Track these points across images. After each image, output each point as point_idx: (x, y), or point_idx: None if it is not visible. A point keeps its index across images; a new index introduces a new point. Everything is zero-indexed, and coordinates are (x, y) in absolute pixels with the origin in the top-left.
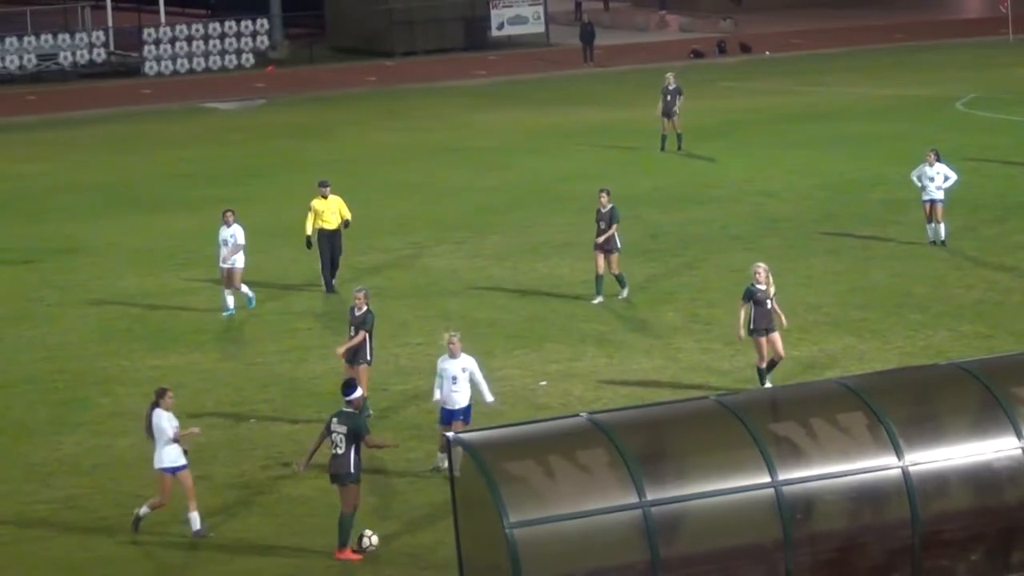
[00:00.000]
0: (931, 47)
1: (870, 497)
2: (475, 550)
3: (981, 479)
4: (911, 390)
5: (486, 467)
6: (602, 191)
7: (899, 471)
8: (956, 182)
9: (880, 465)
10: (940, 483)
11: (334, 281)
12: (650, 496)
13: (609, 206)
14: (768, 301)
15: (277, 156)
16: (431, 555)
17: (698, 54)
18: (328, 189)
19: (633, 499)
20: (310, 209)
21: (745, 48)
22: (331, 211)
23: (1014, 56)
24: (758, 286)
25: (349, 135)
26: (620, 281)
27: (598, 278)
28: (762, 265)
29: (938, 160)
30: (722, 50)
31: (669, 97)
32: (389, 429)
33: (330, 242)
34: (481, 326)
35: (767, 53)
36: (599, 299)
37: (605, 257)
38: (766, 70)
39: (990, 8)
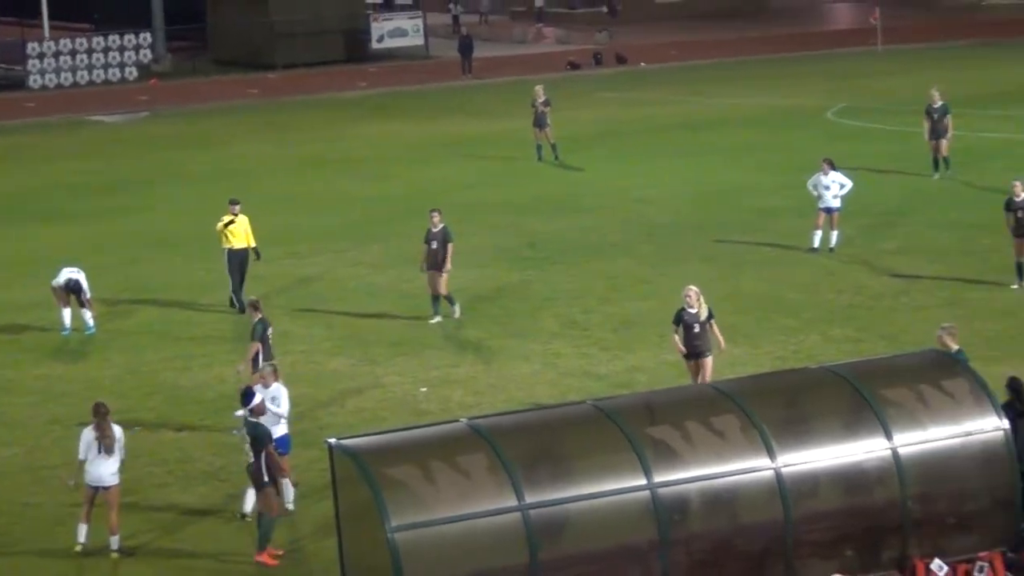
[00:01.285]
0: (802, 58)
1: (744, 498)
2: (358, 554)
3: (851, 479)
4: (783, 393)
5: (368, 472)
6: (433, 211)
7: (772, 472)
8: (851, 189)
9: (753, 467)
10: (812, 484)
11: (238, 295)
12: (529, 499)
13: (441, 225)
14: (697, 324)
15: (161, 167)
16: (314, 559)
17: (575, 66)
18: (239, 207)
19: (512, 502)
20: (220, 224)
21: (621, 59)
22: (240, 229)
23: (883, 66)
24: (689, 309)
25: (232, 146)
26: (451, 301)
27: (434, 298)
28: (693, 288)
29: (832, 169)
30: (598, 61)
31: (539, 109)
32: None
33: (238, 260)
34: (362, 333)
35: (642, 64)
36: (440, 317)
37: (437, 276)
38: (642, 81)
39: (860, 20)
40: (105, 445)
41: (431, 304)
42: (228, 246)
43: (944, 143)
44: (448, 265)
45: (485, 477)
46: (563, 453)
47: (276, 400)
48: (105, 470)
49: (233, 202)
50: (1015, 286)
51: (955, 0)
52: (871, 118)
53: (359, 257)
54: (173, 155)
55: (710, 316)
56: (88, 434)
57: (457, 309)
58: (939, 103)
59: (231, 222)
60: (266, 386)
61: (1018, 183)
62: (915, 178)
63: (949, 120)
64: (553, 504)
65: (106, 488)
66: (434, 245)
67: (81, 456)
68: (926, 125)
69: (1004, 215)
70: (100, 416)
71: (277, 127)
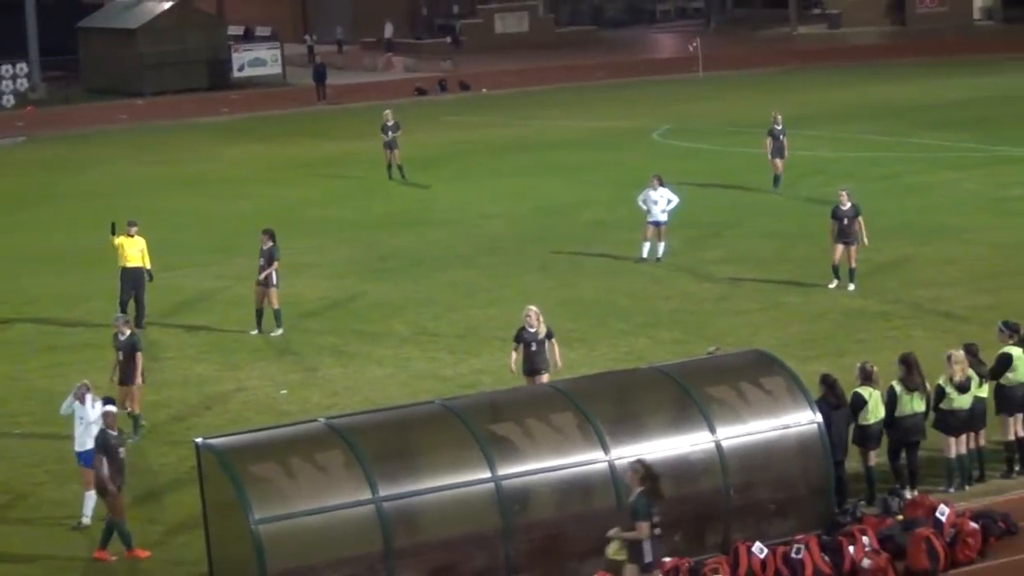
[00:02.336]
0: (630, 84)
1: (580, 488)
2: (224, 546)
3: (679, 470)
4: (616, 392)
5: (232, 469)
6: (264, 232)
7: (606, 465)
8: (678, 204)
9: (589, 460)
10: None
11: (144, 321)
12: (383, 492)
13: (269, 243)
14: (535, 343)
15: (38, 188)
16: (184, 552)
17: (421, 91)
18: (135, 229)
19: (367, 495)
20: (117, 246)
21: (464, 86)
22: (135, 249)
23: (703, 91)
24: (529, 328)
25: (104, 168)
26: (278, 318)
27: (258, 312)
28: (533, 308)
29: (661, 185)
30: (443, 88)
31: (389, 132)
32: (143, 437)
33: (131, 279)
34: (227, 340)
35: (484, 90)
36: (262, 331)
37: (265, 292)
38: (483, 106)
39: (683, 49)
40: None
41: (254, 318)
42: (122, 264)
43: (780, 162)
44: (273, 281)
45: (342, 472)
46: (414, 449)
47: (85, 417)
48: None
49: (131, 223)
50: (831, 285)
51: (768, 31)
52: (692, 138)
53: (222, 270)
54: (49, 177)
55: (549, 335)
56: None
57: (280, 331)
58: (781, 125)
59: (115, 232)
60: (82, 403)
61: (844, 193)
62: (736, 192)
63: (786, 141)
64: (405, 496)
65: None
66: (262, 262)
67: None
68: (769, 145)
69: (830, 223)
70: None
71: (146, 150)
